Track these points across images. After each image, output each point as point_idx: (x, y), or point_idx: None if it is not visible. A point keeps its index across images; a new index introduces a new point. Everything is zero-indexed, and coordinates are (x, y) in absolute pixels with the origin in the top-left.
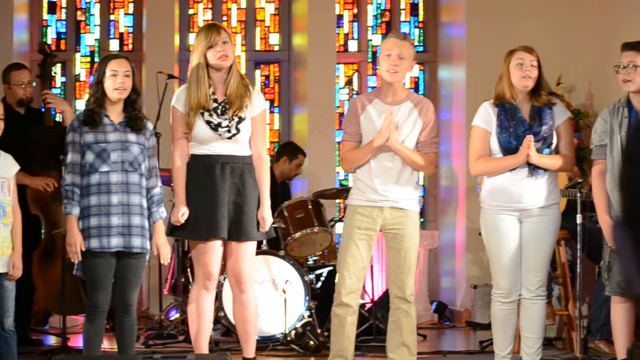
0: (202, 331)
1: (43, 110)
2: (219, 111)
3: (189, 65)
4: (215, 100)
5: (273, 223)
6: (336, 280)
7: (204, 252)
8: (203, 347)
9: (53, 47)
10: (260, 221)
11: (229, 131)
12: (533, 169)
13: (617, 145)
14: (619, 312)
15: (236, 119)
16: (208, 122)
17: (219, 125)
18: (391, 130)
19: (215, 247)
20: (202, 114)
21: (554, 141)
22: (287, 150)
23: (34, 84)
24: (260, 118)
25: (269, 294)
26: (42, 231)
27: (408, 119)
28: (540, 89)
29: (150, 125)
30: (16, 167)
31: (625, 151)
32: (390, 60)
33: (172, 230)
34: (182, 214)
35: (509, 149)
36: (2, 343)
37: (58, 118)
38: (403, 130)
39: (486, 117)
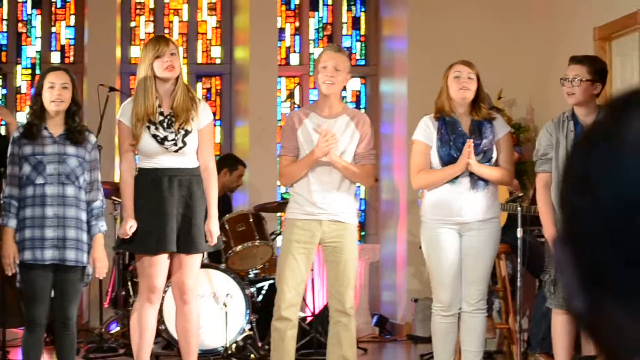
0: (144, 344)
1: None
2: (165, 124)
3: (136, 77)
4: (161, 114)
5: None
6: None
7: (150, 265)
8: None
9: None
10: (207, 233)
11: (175, 144)
12: (474, 181)
13: (563, 158)
14: (560, 325)
15: (182, 132)
16: (154, 136)
17: (165, 138)
18: (330, 144)
19: (161, 261)
20: (149, 128)
21: (494, 155)
22: (227, 162)
23: None
24: (207, 130)
25: (210, 308)
26: None
27: (345, 131)
28: (480, 102)
29: (92, 138)
30: None
31: (564, 165)
32: (327, 72)
33: (120, 243)
34: (130, 226)
35: (449, 162)
36: None
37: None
38: (341, 143)
39: (426, 131)
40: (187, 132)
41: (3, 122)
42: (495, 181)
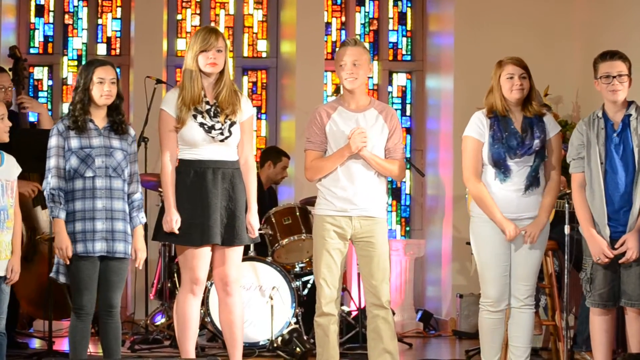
0: (188, 335)
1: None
2: (211, 113)
3: (184, 63)
4: (207, 103)
5: (260, 229)
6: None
7: (193, 257)
8: (190, 352)
9: (40, 51)
10: (248, 226)
11: (221, 134)
12: (529, 181)
13: (596, 157)
14: (599, 324)
15: (228, 122)
16: (201, 125)
17: (212, 127)
18: (364, 139)
19: (204, 253)
20: (195, 117)
21: (547, 154)
22: (270, 154)
23: (14, 87)
24: (248, 123)
25: (256, 300)
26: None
27: (375, 125)
28: (531, 99)
29: (132, 131)
30: (18, 169)
31: None
32: (346, 69)
33: (163, 235)
34: (176, 221)
35: (499, 161)
36: None
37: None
38: (371, 138)
39: (479, 127)
40: (232, 123)
41: (33, 114)
42: (555, 196)
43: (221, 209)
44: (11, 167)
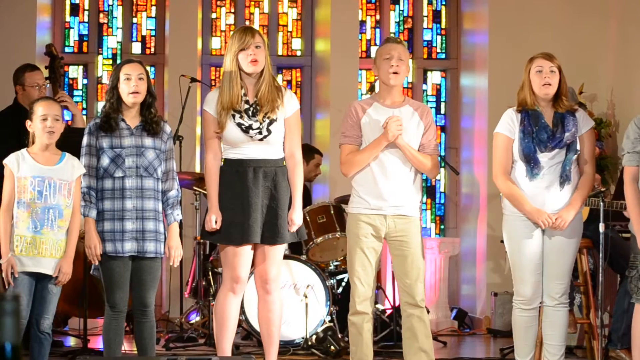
0: (226, 334)
1: None
2: (250, 113)
3: (223, 66)
4: (246, 102)
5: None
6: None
7: (234, 255)
8: (226, 350)
9: (75, 50)
10: (289, 222)
11: (260, 133)
12: (562, 177)
13: None
14: None
15: (267, 121)
16: (239, 125)
17: (250, 127)
18: (400, 127)
19: (245, 252)
20: (234, 117)
21: (579, 148)
22: (302, 152)
23: (48, 85)
24: (293, 119)
25: (291, 299)
26: None
27: (411, 122)
28: (562, 94)
29: (167, 128)
30: (81, 169)
31: None
32: (392, 62)
33: (205, 234)
34: (215, 220)
35: (529, 155)
36: (35, 343)
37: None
38: (406, 134)
39: (509, 124)
40: (272, 121)
41: (68, 113)
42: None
43: (262, 207)
44: (70, 167)
